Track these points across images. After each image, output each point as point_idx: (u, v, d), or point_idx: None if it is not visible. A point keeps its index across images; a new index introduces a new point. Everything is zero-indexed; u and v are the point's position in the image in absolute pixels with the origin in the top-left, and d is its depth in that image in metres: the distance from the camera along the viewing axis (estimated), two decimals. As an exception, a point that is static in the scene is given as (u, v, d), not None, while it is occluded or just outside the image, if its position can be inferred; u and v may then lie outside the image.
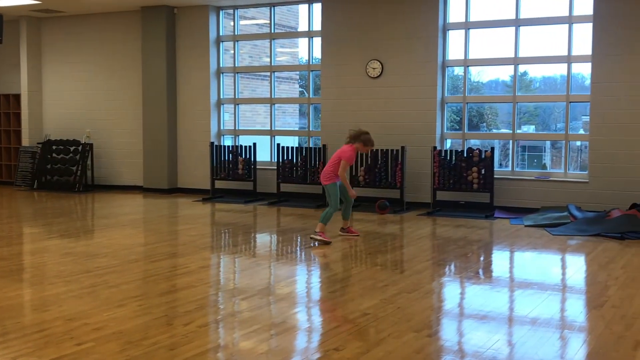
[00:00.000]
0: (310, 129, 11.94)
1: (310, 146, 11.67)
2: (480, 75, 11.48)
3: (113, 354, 4.06)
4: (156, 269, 6.43)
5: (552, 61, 10.34)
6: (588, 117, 9.86)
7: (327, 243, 7.66)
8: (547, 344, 4.32)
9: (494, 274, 6.67)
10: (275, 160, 11.63)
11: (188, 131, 12.62)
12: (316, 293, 5.94)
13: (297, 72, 13.40)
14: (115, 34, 13.16)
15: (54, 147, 13.38)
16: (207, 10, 12.27)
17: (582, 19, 9.79)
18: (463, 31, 10.61)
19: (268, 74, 12.39)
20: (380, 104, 10.91)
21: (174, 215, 10.31)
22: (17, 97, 14.09)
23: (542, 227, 8.88)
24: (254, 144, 11.62)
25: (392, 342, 4.31)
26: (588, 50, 9.68)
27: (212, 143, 11.96)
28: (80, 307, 5.08)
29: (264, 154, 12.09)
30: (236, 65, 12.57)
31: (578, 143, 10.50)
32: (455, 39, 10.72)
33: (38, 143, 13.61)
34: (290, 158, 11.27)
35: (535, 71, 11.07)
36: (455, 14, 10.64)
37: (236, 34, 12.51)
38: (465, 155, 10.10)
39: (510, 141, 10.50)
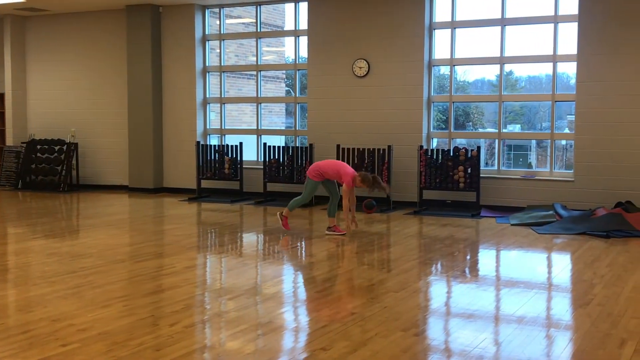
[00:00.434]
0: (297, 128, 11.93)
1: (297, 145, 11.65)
2: (466, 74, 11.51)
3: (99, 355, 4.03)
4: (142, 269, 6.39)
5: (537, 60, 10.39)
6: (573, 116, 9.91)
7: (284, 227, 8.31)
8: (533, 343, 4.33)
9: (480, 273, 6.68)
10: (262, 159, 11.61)
11: (174, 130, 12.57)
12: (303, 293, 5.93)
13: (284, 71, 13.37)
14: (100, 32, 13.07)
15: (38, 147, 13.27)
16: (193, 8, 12.22)
17: (568, 19, 9.84)
18: (449, 30, 10.64)
19: (254, 73, 12.36)
20: (366, 103, 10.91)
21: (159, 215, 10.26)
22: (1, 96, 13.96)
23: (528, 225, 8.91)
24: (240, 144, 11.59)
25: (379, 342, 4.30)
26: (573, 50, 9.73)
27: (198, 142, 11.92)
28: (65, 307, 5.04)
29: (250, 154, 12.06)
30: (222, 64, 12.52)
31: (563, 142, 10.55)
32: (441, 38, 10.74)
33: (22, 143, 13.50)
34: (276, 157, 11.24)
35: (521, 70, 11.12)
36: (441, 13, 10.67)
37: (222, 32, 12.47)
38: (451, 154, 10.12)
39: (496, 140, 10.53)
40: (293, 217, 9.42)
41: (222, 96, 12.55)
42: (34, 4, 12.31)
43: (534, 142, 11.38)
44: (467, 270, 6.72)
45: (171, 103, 12.57)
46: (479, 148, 10.05)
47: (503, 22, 10.27)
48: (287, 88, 13.66)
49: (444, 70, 10.94)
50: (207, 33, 12.47)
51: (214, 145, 11.90)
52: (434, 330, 4.78)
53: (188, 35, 12.32)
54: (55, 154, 13.10)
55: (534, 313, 5.03)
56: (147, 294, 5.51)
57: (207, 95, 12.56)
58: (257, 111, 12.26)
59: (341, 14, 11.04)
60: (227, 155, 11.68)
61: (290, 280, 6.45)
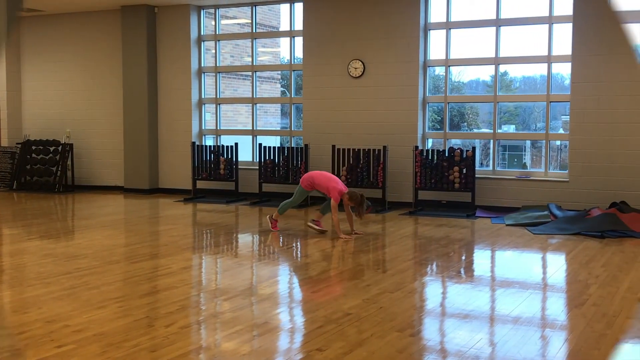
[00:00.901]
0: (292, 129, 11.93)
1: (292, 146, 11.66)
2: (461, 75, 11.53)
3: (94, 356, 4.03)
4: (137, 270, 6.38)
5: (532, 61, 10.40)
6: (568, 116, 9.93)
7: (272, 228, 8.46)
8: (528, 343, 4.34)
9: (475, 273, 6.69)
10: (257, 160, 11.60)
11: (169, 131, 12.56)
12: (298, 293, 5.93)
13: (279, 72, 13.37)
14: (96, 33, 13.05)
15: (33, 148, 13.24)
16: (188, 9, 12.21)
17: (562, 19, 9.86)
18: (444, 31, 10.65)
19: (250, 73, 12.35)
20: (362, 104, 10.92)
21: (155, 216, 10.25)
22: (-4, 96, 13.94)
23: (523, 226, 8.93)
24: (236, 144, 11.58)
25: (375, 342, 4.31)
26: (568, 51, 9.75)
27: (193, 143, 11.91)
28: (61, 309, 5.03)
29: (245, 154, 12.06)
30: (217, 65, 12.52)
31: (558, 142, 10.58)
32: (436, 39, 10.76)
33: (17, 143, 13.47)
34: (272, 158, 11.24)
35: (516, 71, 11.14)
36: (436, 14, 10.68)
37: (217, 33, 12.46)
38: (446, 154, 10.13)
39: (491, 141, 10.55)
40: (289, 218, 9.43)
41: (218, 97, 12.54)
42: (29, 4, 12.27)
43: (528, 142, 11.40)
44: (462, 270, 6.73)
45: (166, 103, 12.56)
46: (474, 148, 10.07)
47: (498, 22, 10.29)
48: (282, 89, 13.66)
49: (439, 70, 10.96)
50: (202, 34, 12.47)
51: (210, 146, 11.89)
52: (430, 331, 4.79)
53: (183, 35, 12.32)
54: (51, 155, 13.07)
55: (529, 313, 5.04)
56: (143, 294, 5.51)
57: (203, 96, 12.56)
58: (253, 112, 12.25)
59: (336, 15, 11.05)
60: (223, 156, 11.67)
61: (285, 281, 6.45)
